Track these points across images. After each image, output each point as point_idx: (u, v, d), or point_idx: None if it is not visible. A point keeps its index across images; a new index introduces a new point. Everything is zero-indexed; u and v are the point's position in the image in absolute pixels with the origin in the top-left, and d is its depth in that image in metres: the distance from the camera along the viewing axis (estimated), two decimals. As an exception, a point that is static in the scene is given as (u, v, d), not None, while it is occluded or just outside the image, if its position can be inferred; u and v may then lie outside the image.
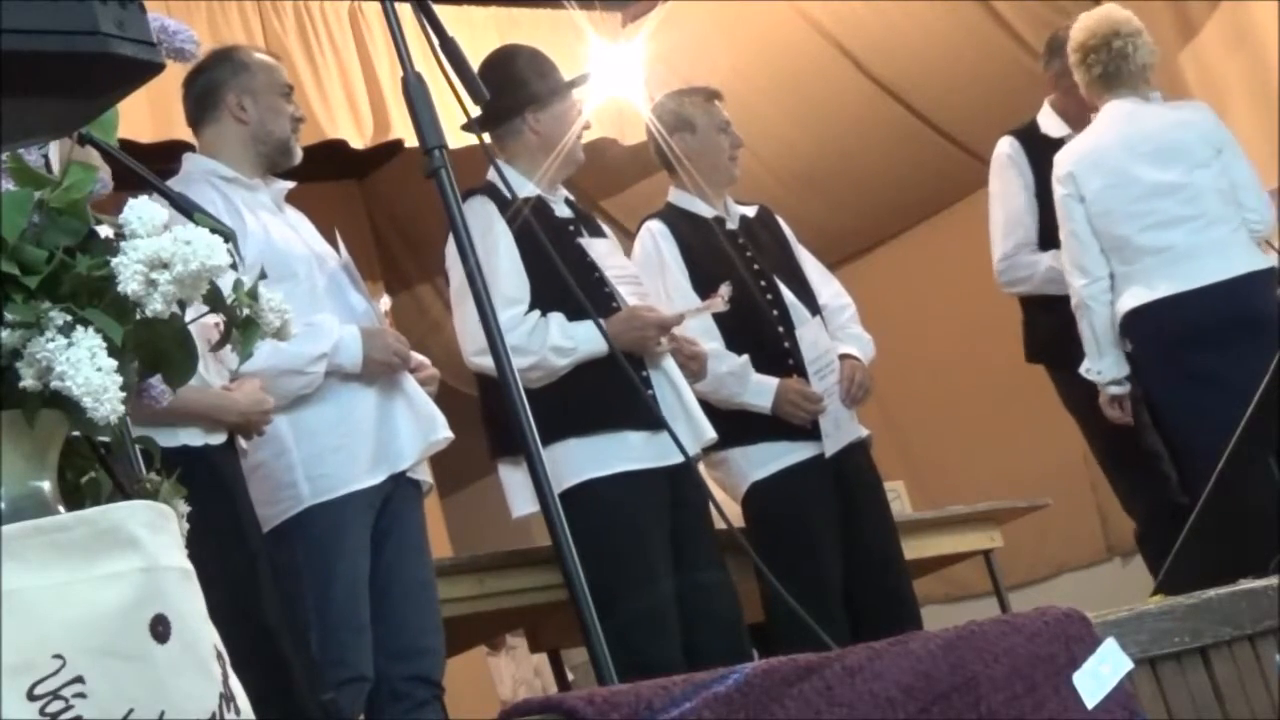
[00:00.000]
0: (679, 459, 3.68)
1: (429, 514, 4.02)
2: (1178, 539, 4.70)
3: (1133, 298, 4.64)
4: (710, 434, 4.09)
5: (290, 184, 3.87)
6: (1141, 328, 4.65)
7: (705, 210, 4.53)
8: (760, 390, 4.33)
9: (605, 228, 4.37)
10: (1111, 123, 4.74)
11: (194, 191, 3.58)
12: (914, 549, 5.32)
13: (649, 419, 3.87)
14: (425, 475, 3.84)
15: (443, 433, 3.76)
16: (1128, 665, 2.18)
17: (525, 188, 4.08)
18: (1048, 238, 4.97)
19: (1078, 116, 5.04)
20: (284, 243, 3.69)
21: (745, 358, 4.33)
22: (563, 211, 4.17)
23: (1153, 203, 4.63)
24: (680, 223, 4.48)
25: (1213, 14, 6.28)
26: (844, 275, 8.41)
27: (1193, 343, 4.53)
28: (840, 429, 4.41)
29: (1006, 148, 5.13)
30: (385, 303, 3.95)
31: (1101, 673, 2.15)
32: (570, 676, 6.04)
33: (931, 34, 6.88)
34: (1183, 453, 4.67)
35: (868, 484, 4.52)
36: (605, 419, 3.93)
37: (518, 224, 3.94)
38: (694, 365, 4.18)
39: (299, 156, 3.87)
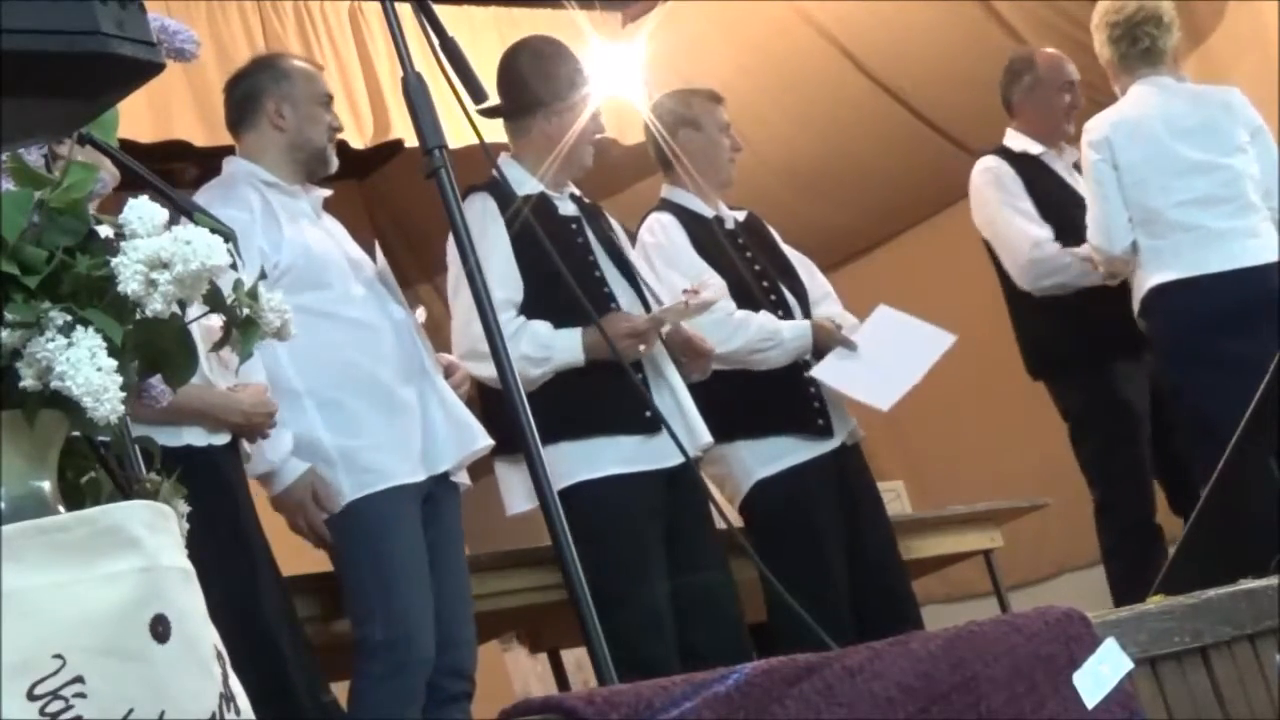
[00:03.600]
0: (675, 461, 3.69)
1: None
2: (1146, 559, 4.71)
3: (1159, 274, 4.58)
4: (706, 439, 4.08)
5: (327, 192, 3.92)
6: (1166, 305, 4.59)
7: (704, 210, 4.53)
8: (797, 329, 4.37)
9: (614, 223, 4.36)
10: (1147, 97, 4.70)
11: (236, 193, 3.70)
12: (914, 549, 5.31)
13: (644, 423, 3.87)
14: (464, 478, 3.88)
15: (481, 441, 3.80)
16: (1128, 665, 2.18)
17: (531, 185, 4.08)
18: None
19: (1047, 135, 5.02)
20: (321, 251, 3.74)
21: (764, 313, 4.36)
22: (567, 209, 4.17)
23: (1189, 180, 4.58)
24: (684, 218, 4.48)
25: (1222, 15, 6.27)
26: (844, 275, 8.43)
27: (1218, 326, 4.47)
28: (859, 383, 4.44)
29: (990, 162, 5.05)
30: (421, 314, 3.98)
31: (1101, 673, 2.15)
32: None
33: (931, 34, 6.87)
34: (1200, 435, 4.59)
35: (865, 485, 4.52)
36: (599, 423, 3.93)
37: (518, 222, 3.94)
38: (700, 364, 4.16)
39: (335, 165, 3.92)
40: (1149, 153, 4.62)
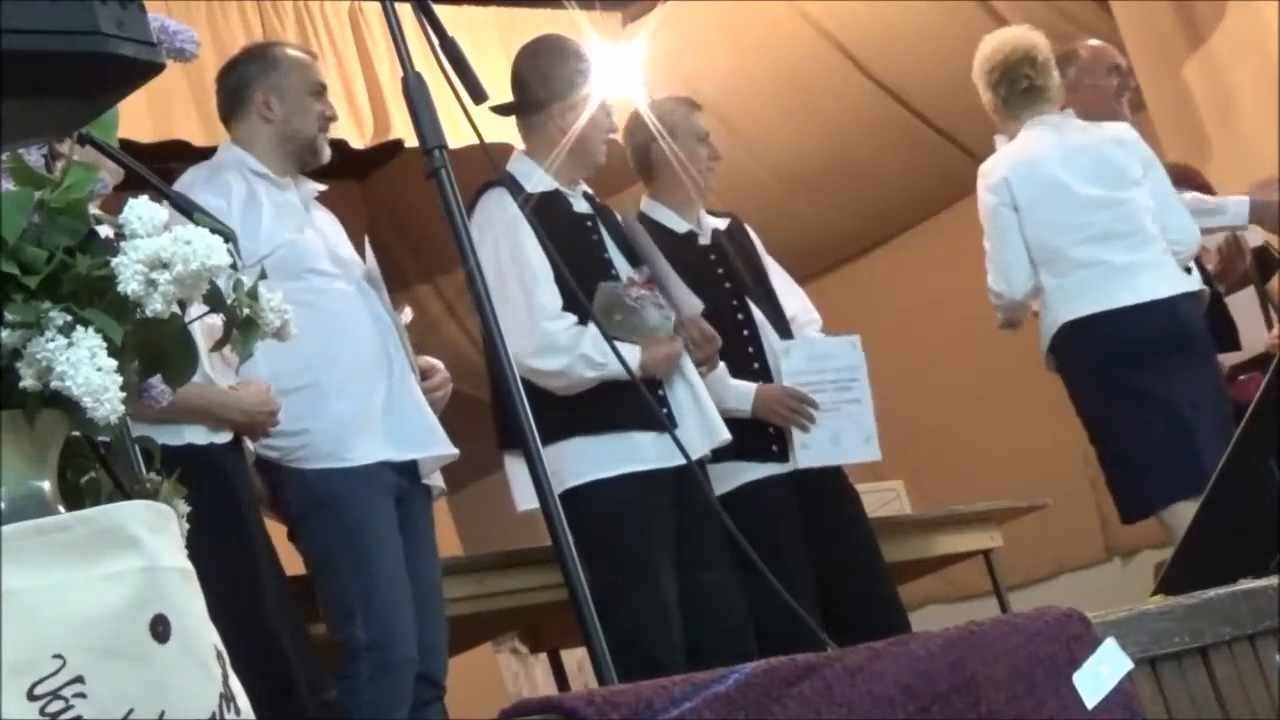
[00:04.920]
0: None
1: (437, 510, 4.05)
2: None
3: (1065, 311, 4.61)
4: (724, 434, 4.07)
5: (321, 186, 3.90)
6: (1074, 342, 4.62)
7: (678, 224, 4.47)
8: (740, 395, 4.29)
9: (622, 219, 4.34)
10: (1042, 136, 4.71)
11: (219, 179, 3.69)
12: (914, 549, 5.32)
13: (659, 419, 3.86)
14: (438, 481, 3.86)
15: (440, 449, 3.77)
16: (1128, 665, 2.18)
17: (545, 182, 4.08)
18: None
19: (1104, 114, 5.03)
20: (303, 243, 3.71)
21: (723, 364, 4.28)
22: (581, 206, 4.16)
23: (1088, 216, 4.60)
24: (655, 235, 4.42)
25: (1222, 15, 6.27)
26: (843, 276, 8.46)
27: (1126, 359, 4.52)
28: (839, 445, 4.38)
29: None
30: (407, 314, 3.96)
31: (1101, 673, 2.15)
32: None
33: (931, 34, 6.87)
34: (1115, 468, 4.69)
35: (839, 490, 4.46)
36: (614, 419, 3.92)
37: (533, 218, 3.93)
38: (708, 348, 4.14)
39: (327, 156, 3.89)
40: (1047, 191, 4.63)
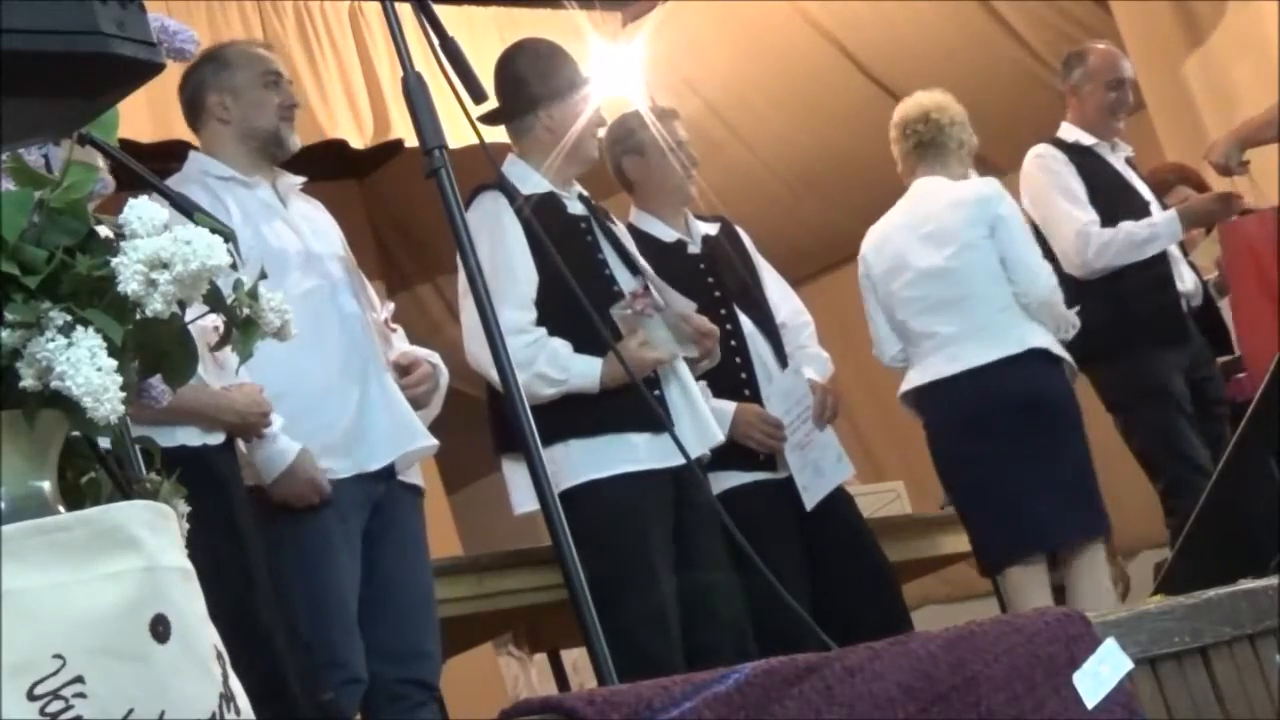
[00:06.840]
0: (683, 460, 3.67)
1: (437, 510, 4.01)
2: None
3: (908, 381, 4.78)
4: (718, 436, 4.06)
5: (300, 179, 3.83)
6: (916, 410, 4.81)
7: (666, 234, 4.44)
8: (718, 415, 4.25)
9: (619, 222, 4.32)
10: (908, 202, 4.83)
11: (185, 191, 3.58)
12: (914, 549, 5.32)
13: (653, 420, 3.85)
14: (417, 479, 3.82)
15: (419, 442, 3.73)
16: (1128, 665, 2.18)
17: (538, 184, 4.07)
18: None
19: (1097, 128, 5.06)
20: (276, 247, 3.65)
21: (703, 383, 4.24)
22: (575, 208, 4.14)
23: (923, 288, 4.71)
24: (642, 248, 4.39)
25: (1222, 15, 6.27)
26: (844, 275, 8.42)
27: (963, 424, 4.65)
28: (823, 476, 4.39)
29: (1041, 149, 5.13)
30: (389, 308, 3.93)
31: (1101, 673, 2.15)
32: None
33: (931, 34, 6.88)
34: (969, 526, 4.82)
35: (833, 496, 4.44)
36: (608, 421, 3.91)
37: (525, 220, 3.91)
38: (707, 343, 4.11)
39: (295, 145, 3.80)
40: (892, 265, 4.79)
